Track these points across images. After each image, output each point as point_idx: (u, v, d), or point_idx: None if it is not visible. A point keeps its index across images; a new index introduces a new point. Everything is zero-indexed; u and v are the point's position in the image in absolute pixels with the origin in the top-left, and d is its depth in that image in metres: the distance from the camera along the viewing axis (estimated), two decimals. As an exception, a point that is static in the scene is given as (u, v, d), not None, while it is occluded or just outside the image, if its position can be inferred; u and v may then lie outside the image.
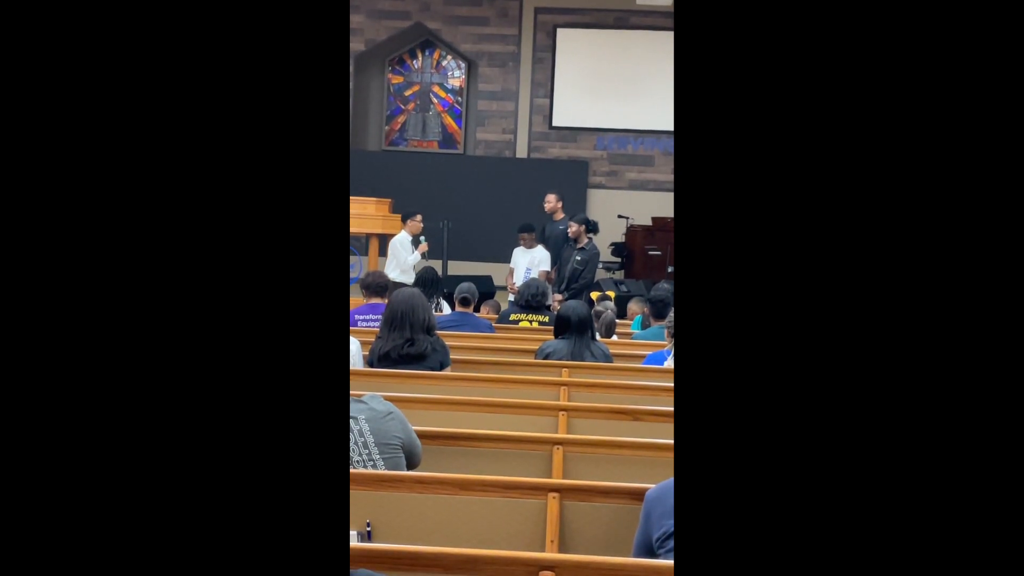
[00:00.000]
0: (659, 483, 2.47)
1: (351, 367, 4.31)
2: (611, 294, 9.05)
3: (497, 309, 7.76)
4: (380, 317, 6.23)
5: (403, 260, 9.15)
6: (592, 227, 9.04)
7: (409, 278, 8.94)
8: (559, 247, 9.17)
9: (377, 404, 3.00)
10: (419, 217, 9.44)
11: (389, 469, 2.91)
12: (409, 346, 4.31)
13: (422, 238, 9.51)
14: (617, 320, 7.05)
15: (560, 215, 9.41)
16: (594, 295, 8.83)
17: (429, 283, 7.47)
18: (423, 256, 9.31)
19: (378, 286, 6.36)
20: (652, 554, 2.38)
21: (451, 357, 4.91)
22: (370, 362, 4.53)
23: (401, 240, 9.29)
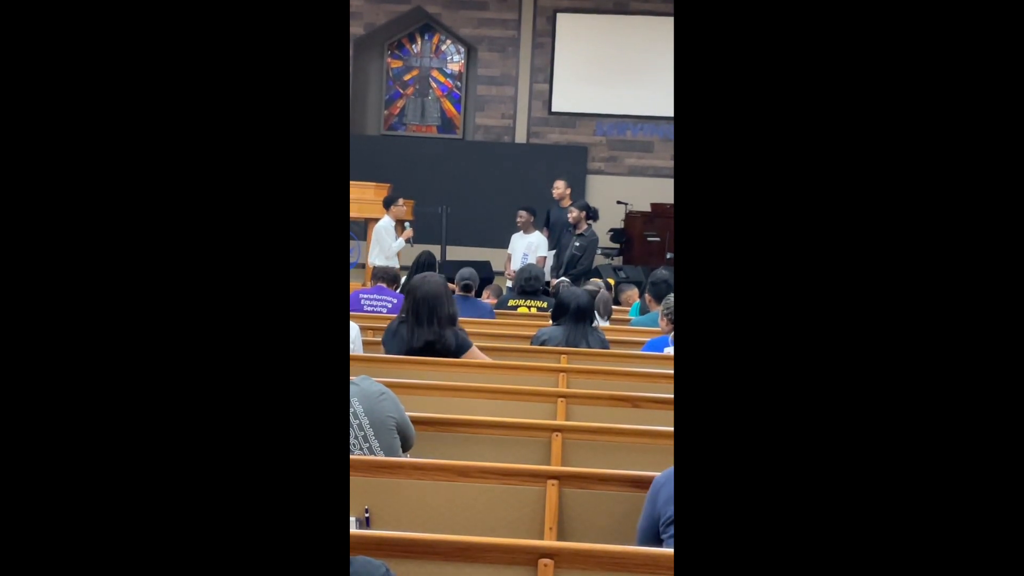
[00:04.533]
0: (668, 468, 2.46)
1: (351, 352, 4.30)
2: (611, 281, 9.04)
3: (499, 293, 7.77)
4: (386, 300, 6.28)
5: (386, 246, 9.05)
6: (592, 214, 9.04)
7: (393, 264, 8.88)
8: (561, 233, 9.18)
9: (369, 385, 2.98)
10: (401, 201, 9.37)
11: (385, 451, 2.90)
12: (439, 343, 4.25)
13: (407, 224, 9.44)
14: (614, 307, 7.06)
15: (567, 202, 9.42)
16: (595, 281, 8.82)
17: (425, 267, 7.46)
18: (408, 242, 9.22)
19: (389, 277, 6.44)
20: (656, 537, 2.38)
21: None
22: (388, 348, 4.49)
23: (385, 226, 9.17)
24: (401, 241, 9.18)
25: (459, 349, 4.34)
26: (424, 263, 7.52)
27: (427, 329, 4.24)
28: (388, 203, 9.37)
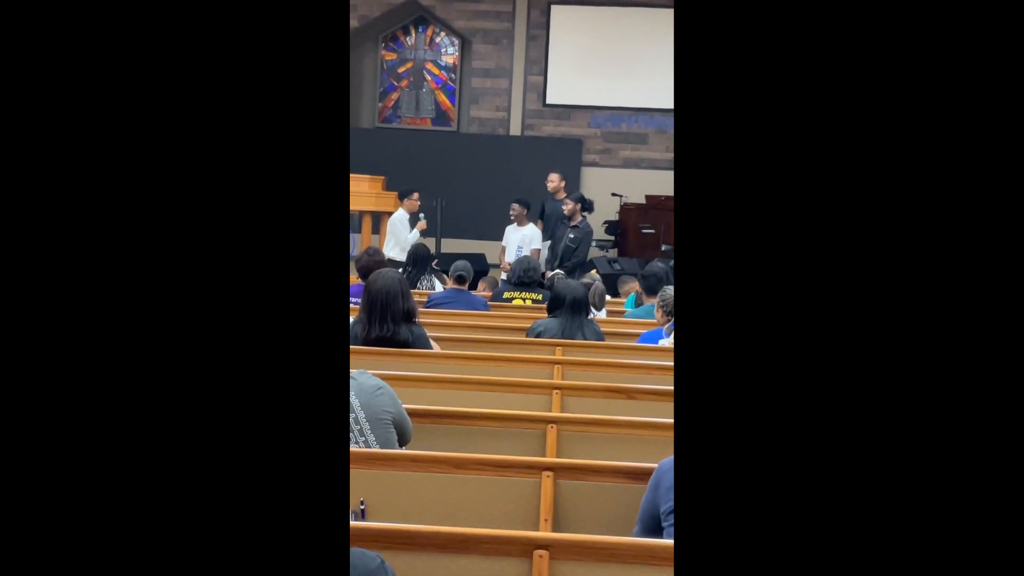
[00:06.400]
0: (670, 457, 2.46)
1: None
2: (594, 273, 9.05)
3: (494, 285, 7.77)
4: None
5: (402, 238, 9.14)
6: (587, 206, 9.04)
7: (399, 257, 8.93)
8: (556, 225, 9.19)
9: (366, 379, 2.99)
10: (416, 195, 9.44)
11: (381, 445, 2.91)
12: (390, 337, 4.19)
13: (421, 216, 9.50)
14: (609, 298, 7.06)
15: (562, 194, 9.43)
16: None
17: (420, 259, 7.47)
18: (421, 234, 9.30)
19: (370, 272, 6.33)
20: (657, 527, 2.38)
21: (445, 334, 4.90)
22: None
23: (400, 218, 9.30)
24: (416, 233, 9.22)
25: (415, 345, 4.29)
26: (417, 256, 7.52)
27: (379, 326, 4.17)
28: (403, 195, 9.41)
